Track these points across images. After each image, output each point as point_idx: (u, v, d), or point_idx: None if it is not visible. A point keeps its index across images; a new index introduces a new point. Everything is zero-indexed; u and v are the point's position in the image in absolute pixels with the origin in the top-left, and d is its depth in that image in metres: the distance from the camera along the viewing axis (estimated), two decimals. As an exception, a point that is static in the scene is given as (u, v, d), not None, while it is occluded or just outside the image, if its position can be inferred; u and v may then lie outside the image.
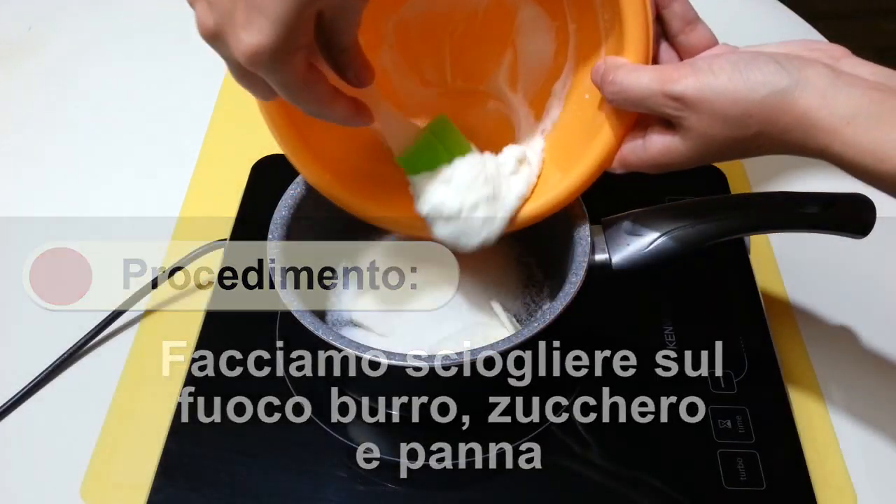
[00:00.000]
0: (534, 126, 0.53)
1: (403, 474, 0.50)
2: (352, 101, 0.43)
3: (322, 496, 0.49)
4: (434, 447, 0.51)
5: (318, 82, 0.40)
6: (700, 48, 0.44)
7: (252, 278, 0.58)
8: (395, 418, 0.53)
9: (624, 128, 0.44)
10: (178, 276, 0.62)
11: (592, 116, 0.46)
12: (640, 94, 0.41)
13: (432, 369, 0.44)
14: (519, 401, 0.53)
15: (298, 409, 0.53)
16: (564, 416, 0.52)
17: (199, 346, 0.56)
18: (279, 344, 0.56)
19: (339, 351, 0.45)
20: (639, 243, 0.49)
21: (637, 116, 0.44)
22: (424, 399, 0.52)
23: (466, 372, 0.45)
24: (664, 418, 0.52)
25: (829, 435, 0.54)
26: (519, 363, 0.50)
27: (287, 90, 0.39)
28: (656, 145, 0.43)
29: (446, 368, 0.44)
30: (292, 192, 0.53)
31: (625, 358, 0.56)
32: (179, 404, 0.53)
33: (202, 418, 0.52)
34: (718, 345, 0.55)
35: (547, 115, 0.52)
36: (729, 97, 0.39)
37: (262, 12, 0.35)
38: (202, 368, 0.55)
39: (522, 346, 0.45)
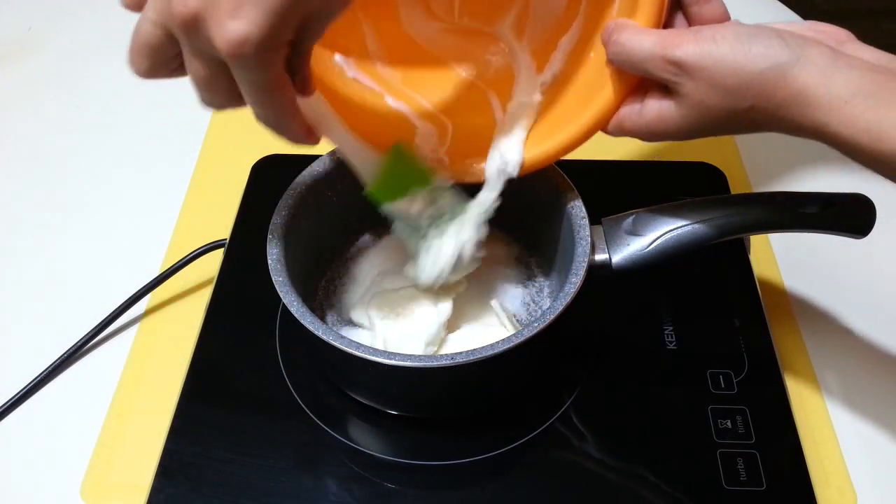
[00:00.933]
0: (534, 77, 0.52)
1: (403, 474, 0.50)
2: (304, 121, 0.42)
3: (322, 496, 0.49)
4: (434, 447, 0.51)
5: (288, 89, 0.39)
6: (712, 22, 0.43)
7: (252, 278, 0.58)
8: (395, 418, 0.53)
9: (625, 89, 0.45)
10: (178, 276, 0.62)
11: (595, 75, 0.46)
12: (641, 57, 0.41)
13: (432, 369, 0.44)
14: (519, 401, 0.53)
15: (298, 409, 0.53)
16: (564, 416, 0.52)
17: (198, 346, 0.56)
18: (279, 344, 0.56)
19: (339, 351, 0.45)
20: (639, 243, 0.49)
21: (639, 80, 0.44)
22: (424, 399, 0.52)
23: (466, 372, 0.45)
24: (664, 418, 0.52)
25: (830, 435, 0.54)
26: (519, 363, 0.51)
27: (259, 91, 0.37)
28: (652, 111, 0.43)
29: (446, 369, 0.44)
30: (292, 192, 0.53)
31: (624, 358, 0.56)
32: (179, 404, 0.53)
33: (202, 418, 0.53)
34: (718, 345, 0.56)
35: (549, 69, 0.52)
36: (728, 66, 0.39)
37: (253, 1, 0.33)
38: (202, 368, 0.55)
39: (522, 346, 0.45)
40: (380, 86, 0.52)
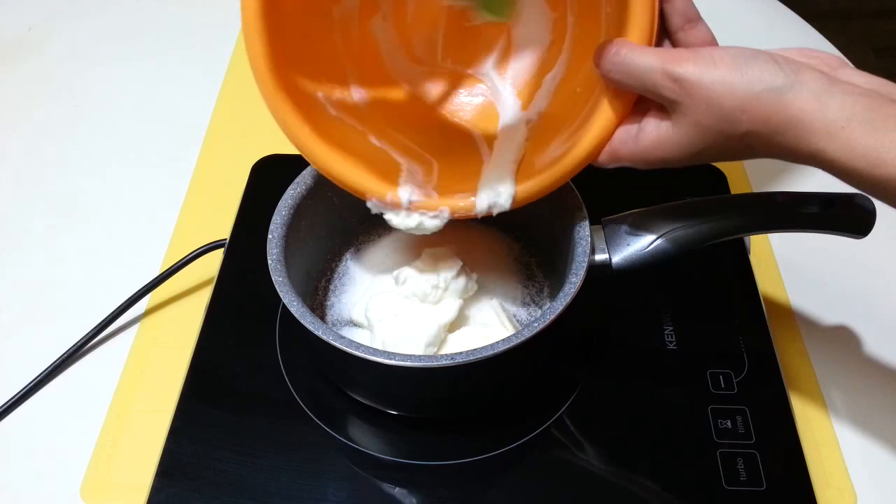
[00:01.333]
0: (519, 115, 0.52)
1: (403, 474, 0.50)
2: None
3: (322, 496, 0.49)
4: (434, 447, 0.51)
5: None
6: (699, 47, 0.44)
7: (252, 278, 0.58)
8: (395, 418, 0.53)
9: (615, 120, 0.44)
10: (178, 276, 0.62)
11: (583, 109, 0.46)
12: (642, 70, 0.41)
13: (432, 369, 0.45)
14: (518, 401, 0.53)
15: (298, 409, 0.53)
16: (564, 417, 0.52)
17: (198, 346, 0.56)
18: (279, 344, 0.57)
19: (339, 351, 0.45)
20: (639, 243, 0.49)
21: (630, 107, 0.44)
22: (424, 399, 0.52)
23: (466, 372, 0.46)
24: (664, 418, 0.52)
25: (829, 435, 0.54)
26: (519, 363, 0.51)
27: None
28: (650, 135, 0.43)
29: (446, 369, 0.44)
30: (292, 192, 0.53)
31: (624, 358, 0.56)
32: (179, 404, 0.53)
33: (202, 418, 0.53)
34: (718, 345, 0.56)
35: (534, 106, 0.52)
36: (725, 88, 0.39)
37: None
38: (202, 368, 0.55)
39: (522, 346, 0.45)
40: (362, 125, 0.51)
